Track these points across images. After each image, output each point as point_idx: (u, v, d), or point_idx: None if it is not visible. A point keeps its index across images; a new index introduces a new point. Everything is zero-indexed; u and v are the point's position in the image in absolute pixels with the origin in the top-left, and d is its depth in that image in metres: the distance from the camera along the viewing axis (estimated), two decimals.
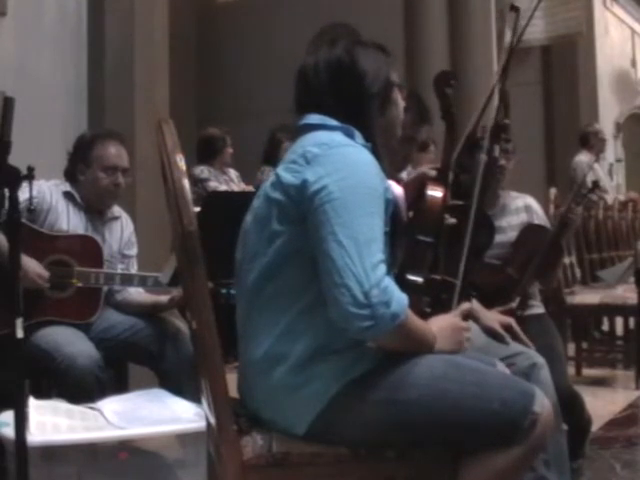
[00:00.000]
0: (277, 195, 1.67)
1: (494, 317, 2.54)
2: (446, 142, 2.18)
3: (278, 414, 1.67)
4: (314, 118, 1.77)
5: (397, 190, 1.85)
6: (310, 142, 1.69)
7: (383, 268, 1.58)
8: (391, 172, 2.11)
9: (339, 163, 1.64)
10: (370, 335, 1.58)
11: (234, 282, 1.81)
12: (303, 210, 1.63)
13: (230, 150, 5.79)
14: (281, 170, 1.69)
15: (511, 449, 1.63)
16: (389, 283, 1.57)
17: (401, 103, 1.90)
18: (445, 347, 1.73)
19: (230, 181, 5.67)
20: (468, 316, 1.84)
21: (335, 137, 1.70)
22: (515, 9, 2.07)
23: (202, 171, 5.56)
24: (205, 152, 5.67)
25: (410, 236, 1.96)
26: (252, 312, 1.71)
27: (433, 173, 2.14)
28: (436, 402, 1.64)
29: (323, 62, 1.80)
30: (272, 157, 5.56)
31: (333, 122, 1.75)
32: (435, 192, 2.05)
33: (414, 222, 1.99)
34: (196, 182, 5.42)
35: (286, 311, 1.66)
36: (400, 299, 1.58)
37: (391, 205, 1.73)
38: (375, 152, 1.75)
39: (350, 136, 1.74)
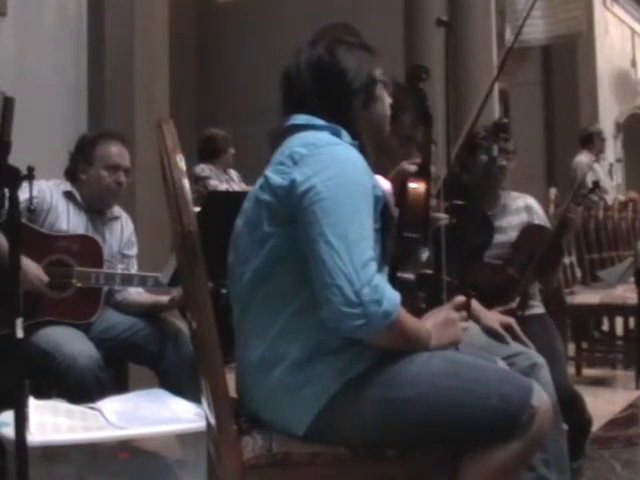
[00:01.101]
0: (266, 197, 1.67)
1: (494, 317, 2.54)
2: (424, 136, 2.18)
3: (277, 415, 1.67)
4: (300, 118, 1.77)
5: (385, 185, 1.85)
6: (297, 143, 1.69)
7: (373, 266, 1.58)
8: (389, 172, 2.11)
9: (326, 162, 1.64)
10: (363, 334, 1.58)
11: (228, 285, 1.81)
12: (292, 211, 1.63)
13: (232, 151, 5.80)
14: (269, 172, 1.69)
15: (510, 444, 1.63)
16: (380, 281, 1.57)
17: (387, 100, 1.89)
18: (441, 342, 1.73)
19: (231, 180, 5.69)
20: (461, 308, 1.83)
21: (322, 136, 1.70)
22: (444, 24, 2.08)
23: (203, 169, 5.58)
24: (207, 152, 5.68)
25: (396, 234, 1.96)
26: (247, 314, 1.71)
27: (413, 168, 2.13)
28: (434, 399, 1.64)
29: (305, 62, 1.80)
30: None
31: (319, 122, 1.75)
32: (417, 187, 2.05)
33: (399, 219, 1.99)
34: (197, 180, 5.45)
35: (281, 312, 1.66)
36: (392, 297, 1.58)
37: (380, 202, 1.72)
38: (362, 150, 1.75)
39: (337, 135, 1.73)
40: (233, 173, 5.82)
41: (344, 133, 1.76)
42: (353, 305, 1.54)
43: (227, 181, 5.64)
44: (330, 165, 1.63)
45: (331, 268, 1.55)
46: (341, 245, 1.56)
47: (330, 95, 1.78)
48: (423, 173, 2.09)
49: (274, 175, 1.67)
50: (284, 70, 1.84)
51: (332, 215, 1.58)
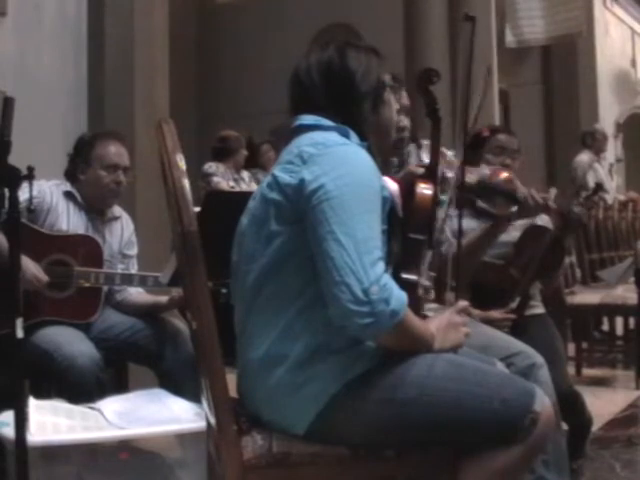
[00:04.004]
0: (274, 195, 1.67)
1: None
2: (432, 140, 2.19)
3: (278, 414, 1.67)
4: (308, 119, 1.77)
5: (392, 186, 1.86)
6: (305, 142, 1.70)
7: (382, 265, 1.58)
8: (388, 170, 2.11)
9: (336, 162, 1.64)
10: (370, 332, 1.58)
11: (231, 283, 1.81)
12: (301, 209, 1.63)
13: (245, 152, 5.97)
14: (277, 171, 1.70)
15: (511, 448, 1.63)
16: (388, 280, 1.57)
17: (394, 104, 1.91)
18: (444, 345, 1.73)
19: (241, 181, 5.84)
20: (464, 313, 1.83)
21: (330, 137, 1.71)
22: (471, 19, 2.08)
23: (210, 167, 5.81)
24: (219, 151, 5.92)
25: (402, 235, 1.97)
26: (251, 313, 1.71)
27: (421, 171, 2.14)
28: (436, 401, 1.64)
29: (315, 63, 1.81)
30: (252, 161, 5.87)
31: (328, 122, 1.76)
32: (424, 189, 2.05)
33: (405, 221, 2.00)
34: (203, 177, 5.71)
35: (285, 311, 1.66)
36: (399, 297, 1.58)
37: (388, 203, 1.73)
38: (370, 151, 1.76)
39: (345, 136, 1.74)
40: (245, 174, 6.04)
41: (352, 134, 1.76)
42: (361, 303, 1.54)
43: (237, 181, 5.80)
44: (339, 165, 1.64)
45: (340, 266, 1.55)
46: (350, 243, 1.57)
47: (339, 97, 1.79)
48: (430, 175, 2.10)
49: (282, 174, 1.67)
50: (293, 70, 1.84)
51: (341, 214, 1.59)
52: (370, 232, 1.60)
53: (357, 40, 1.90)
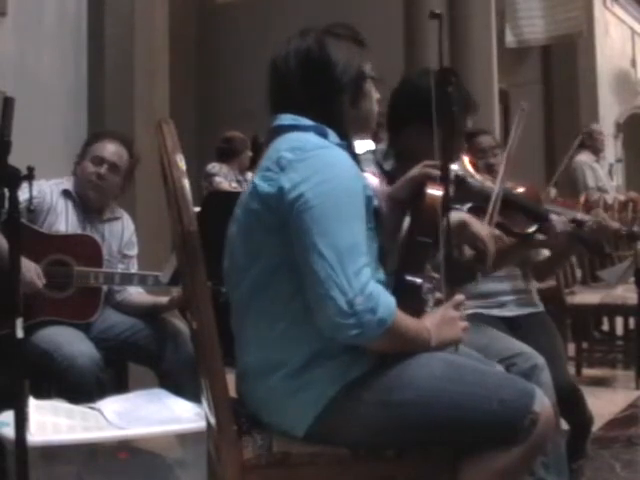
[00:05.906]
0: (255, 206, 1.64)
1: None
2: (445, 143, 2.16)
3: (277, 417, 1.67)
4: (286, 118, 1.73)
5: (373, 182, 1.84)
6: (284, 146, 1.65)
7: (367, 273, 1.56)
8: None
9: (314, 167, 1.60)
10: (360, 342, 1.57)
11: (225, 287, 1.80)
12: (283, 218, 1.60)
13: (249, 154, 5.98)
14: (257, 179, 1.66)
15: (511, 449, 1.63)
16: (374, 288, 1.55)
17: (375, 96, 1.84)
18: (441, 340, 1.71)
19: (244, 182, 5.91)
20: (460, 307, 1.82)
21: (309, 139, 1.66)
22: (437, 16, 2.05)
23: (213, 167, 5.85)
24: (223, 152, 5.96)
25: (409, 237, 1.95)
26: (246, 320, 1.70)
27: (436, 173, 2.10)
28: (435, 402, 1.63)
29: (293, 52, 1.75)
30: (257, 161, 5.87)
31: (306, 121, 1.71)
32: (435, 191, 2.03)
33: (412, 223, 1.98)
34: (206, 177, 5.76)
35: (281, 317, 1.64)
36: (387, 304, 1.56)
37: (372, 202, 1.70)
38: (351, 150, 1.73)
39: (323, 135, 1.69)
40: (249, 175, 6.02)
41: (331, 133, 1.72)
42: (347, 315, 1.52)
43: (240, 182, 5.84)
44: (318, 170, 1.60)
45: (324, 279, 1.53)
46: (332, 255, 1.54)
47: (317, 88, 1.73)
48: (443, 178, 2.07)
49: (261, 182, 1.63)
50: (272, 61, 1.79)
51: (322, 224, 1.56)
52: (353, 239, 1.57)
53: (338, 28, 1.81)
